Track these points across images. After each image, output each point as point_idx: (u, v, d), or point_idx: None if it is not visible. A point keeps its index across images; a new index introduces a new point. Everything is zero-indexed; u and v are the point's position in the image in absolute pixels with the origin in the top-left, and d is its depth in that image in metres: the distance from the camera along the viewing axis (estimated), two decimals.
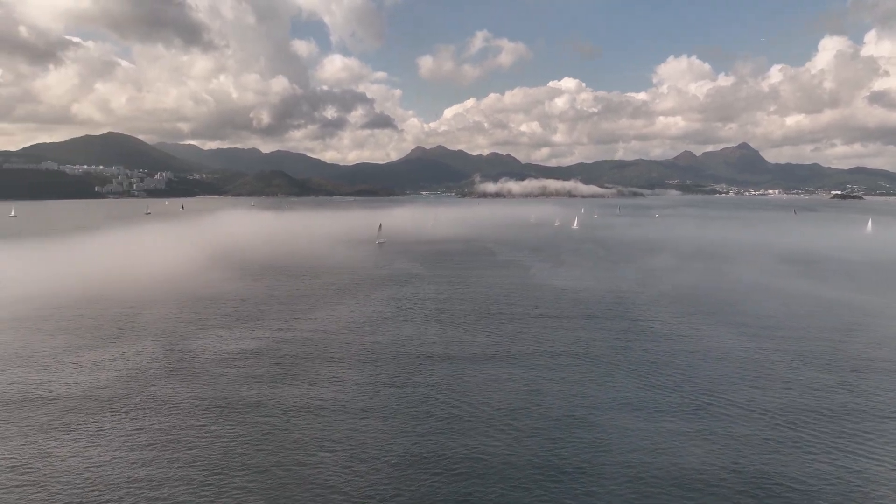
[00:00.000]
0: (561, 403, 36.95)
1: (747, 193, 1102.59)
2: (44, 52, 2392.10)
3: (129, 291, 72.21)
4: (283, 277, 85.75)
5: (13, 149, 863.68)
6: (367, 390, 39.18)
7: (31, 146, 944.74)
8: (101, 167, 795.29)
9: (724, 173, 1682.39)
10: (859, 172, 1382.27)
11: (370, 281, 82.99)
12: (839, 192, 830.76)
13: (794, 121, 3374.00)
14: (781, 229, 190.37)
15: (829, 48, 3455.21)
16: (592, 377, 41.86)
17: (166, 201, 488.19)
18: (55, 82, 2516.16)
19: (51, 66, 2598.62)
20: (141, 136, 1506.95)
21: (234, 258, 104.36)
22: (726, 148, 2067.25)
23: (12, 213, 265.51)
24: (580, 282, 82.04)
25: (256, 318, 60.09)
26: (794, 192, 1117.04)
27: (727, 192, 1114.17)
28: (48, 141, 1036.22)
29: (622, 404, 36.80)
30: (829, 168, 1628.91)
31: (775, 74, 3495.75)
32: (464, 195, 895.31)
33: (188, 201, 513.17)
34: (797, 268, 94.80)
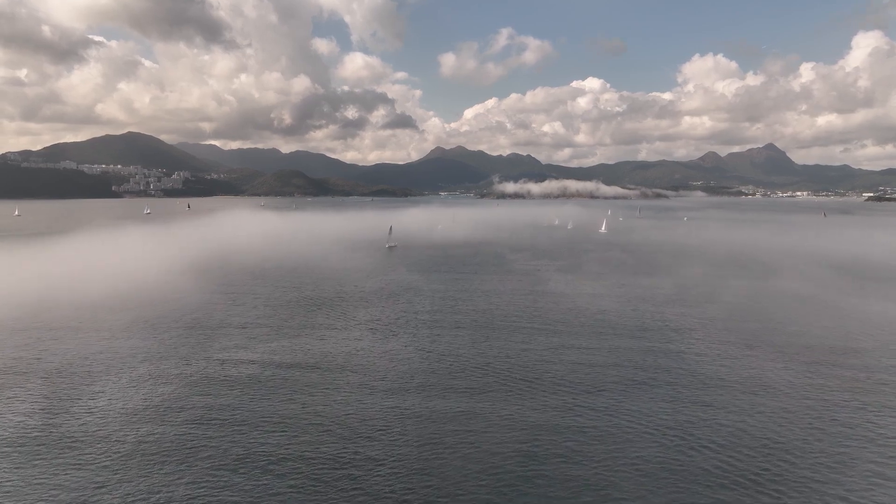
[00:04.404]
0: (561, 465, 25.49)
1: (775, 195, 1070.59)
2: (67, 51, 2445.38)
3: (76, 299, 62.40)
4: (265, 286, 75.51)
5: (36, 148, 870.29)
6: (318, 437, 28.11)
7: (52, 146, 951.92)
8: (119, 166, 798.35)
9: (749, 175, 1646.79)
10: (892, 174, 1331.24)
11: (365, 292, 71.93)
12: (873, 194, 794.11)
13: (825, 121, 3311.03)
14: (822, 234, 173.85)
15: (864, 45, 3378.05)
16: (604, 424, 30.44)
17: (178, 201, 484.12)
18: (79, 82, 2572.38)
19: (75, 66, 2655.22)
20: (163, 137, 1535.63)
21: (214, 264, 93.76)
22: (752, 149, 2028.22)
23: (16, 213, 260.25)
24: (601, 295, 69.89)
25: (210, 336, 49.26)
26: (824, 193, 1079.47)
27: (753, 194, 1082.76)
28: (72, 141, 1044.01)
29: (641, 470, 25.04)
30: (860, 169, 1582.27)
31: (807, 73, 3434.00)
32: (482, 196, 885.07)
33: (203, 201, 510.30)
34: (852, 279, 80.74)
